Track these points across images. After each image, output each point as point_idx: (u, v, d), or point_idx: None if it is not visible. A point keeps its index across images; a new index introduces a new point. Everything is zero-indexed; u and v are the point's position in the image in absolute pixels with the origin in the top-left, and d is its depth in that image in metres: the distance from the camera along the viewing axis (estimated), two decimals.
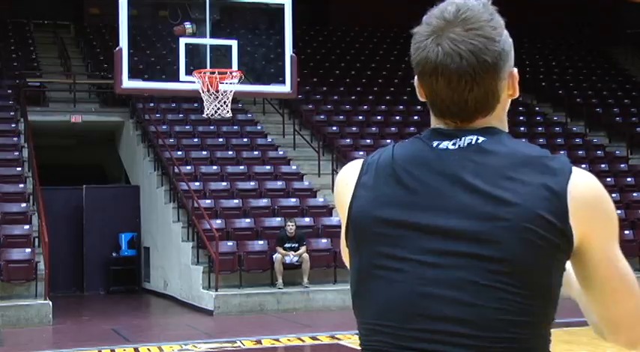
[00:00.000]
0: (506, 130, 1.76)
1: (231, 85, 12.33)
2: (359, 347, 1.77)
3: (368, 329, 1.71)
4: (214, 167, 18.11)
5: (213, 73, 12.20)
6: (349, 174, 1.80)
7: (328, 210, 17.06)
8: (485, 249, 1.62)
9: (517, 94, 1.76)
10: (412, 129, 20.98)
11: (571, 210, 1.63)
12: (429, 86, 1.70)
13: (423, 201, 1.67)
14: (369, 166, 1.76)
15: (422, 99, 1.78)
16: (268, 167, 18.36)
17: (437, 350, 1.62)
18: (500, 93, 1.71)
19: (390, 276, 1.67)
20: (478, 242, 1.62)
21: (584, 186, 1.65)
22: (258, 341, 11.65)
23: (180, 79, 12.54)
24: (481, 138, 1.68)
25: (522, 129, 22.02)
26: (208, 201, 16.68)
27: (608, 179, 19.58)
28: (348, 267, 1.81)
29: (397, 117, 21.74)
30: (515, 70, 1.74)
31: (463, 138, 1.69)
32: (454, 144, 1.69)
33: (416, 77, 1.76)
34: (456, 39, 1.65)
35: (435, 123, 1.75)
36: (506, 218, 1.61)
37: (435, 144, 1.70)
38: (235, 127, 19.98)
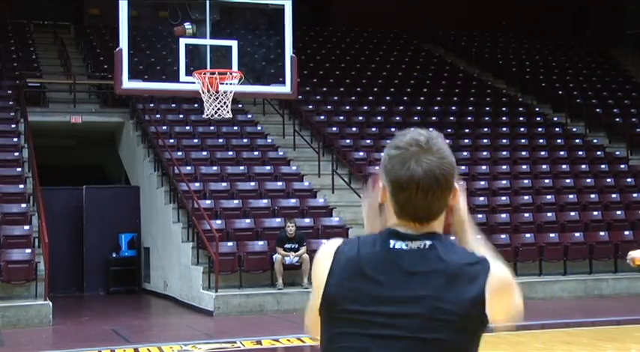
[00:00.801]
0: (442, 231, 2.27)
1: (231, 85, 12.32)
2: None
3: None
4: (214, 167, 18.11)
5: (213, 73, 12.20)
6: (325, 260, 2.28)
7: (328, 211, 17.06)
8: (427, 335, 2.14)
9: (456, 202, 2.29)
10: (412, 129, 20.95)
11: (487, 302, 2.17)
12: (406, 196, 2.19)
13: (382, 288, 2.17)
14: (340, 258, 2.24)
15: (382, 201, 2.28)
16: (268, 167, 18.36)
17: None
18: (449, 203, 2.26)
19: (348, 345, 2.20)
20: (422, 330, 2.14)
21: (496, 285, 2.19)
22: (258, 342, 11.65)
23: (181, 80, 12.53)
24: (428, 243, 2.20)
25: (522, 129, 22.04)
26: (208, 202, 16.68)
27: (608, 179, 19.58)
28: (311, 333, 2.38)
29: (397, 118, 21.73)
30: (457, 186, 2.25)
31: (415, 242, 2.20)
32: (407, 245, 2.20)
33: (388, 186, 2.22)
34: (432, 163, 2.18)
35: (394, 221, 2.24)
36: (447, 318, 2.14)
37: (392, 244, 2.20)
38: (235, 128, 19.98)
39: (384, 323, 2.16)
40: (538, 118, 23.10)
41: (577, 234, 17.06)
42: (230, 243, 15.51)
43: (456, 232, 2.35)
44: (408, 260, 2.18)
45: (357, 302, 2.19)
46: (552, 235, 17.02)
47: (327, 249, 2.29)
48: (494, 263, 2.24)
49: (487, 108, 23.08)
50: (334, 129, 20.77)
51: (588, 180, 19.37)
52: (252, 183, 17.56)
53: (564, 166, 20.03)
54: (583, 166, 20.16)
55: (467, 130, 21.46)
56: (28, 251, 14.59)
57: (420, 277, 2.16)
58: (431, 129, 2.33)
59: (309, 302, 2.38)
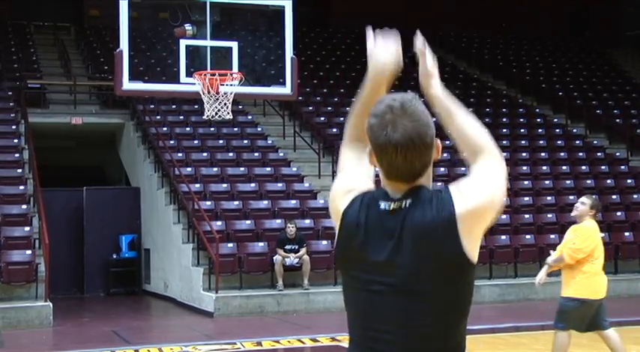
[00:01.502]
0: (430, 182, 2.51)
1: (232, 86, 12.33)
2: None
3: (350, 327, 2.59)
4: (214, 169, 18.12)
5: (214, 74, 12.20)
6: (345, 195, 2.57)
7: (328, 212, 17.04)
8: (414, 288, 2.41)
9: (439, 156, 2.51)
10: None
11: (459, 227, 2.39)
12: (388, 159, 2.42)
13: (374, 243, 2.44)
14: (353, 205, 2.52)
15: (374, 166, 2.51)
16: (268, 169, 18.36)
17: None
18: (432, 159, 2.47)
19: (357, 296, 2.51)
20: (405, 284, 2.41)
21: (463, 206, 2.41)
22: (259, 343, 11.65)
23: (181, 81, 12.54)
24: (409, 202, 2.42)
25: (522, 130, 22.04)
26: (208, 203, 16.69)
27: (609, 181, 19.58)
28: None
29: None
30: (439, 141, 2.48)
31: (398, 202, 2.43)
32: (388, 206, 2.44)
33: (374, 150, 2.44)
34: (407, 126, 2.39)
35: (384, 182, 2.49)
36: (427, 269, 2.39)
37: (381, 206, 2.45)
38: (235, 129, 19.99)
39: (377, 281, 2.42)
40: (538, 119, 23.11)
41: None
42: (230, 245, 15.51)
43: (442, 119, 2.59)
44: (391, 222, 2.42)
45: (355, 261, 2.47)
46: (553, 236, 16.99)
47: (346, 188, 2.59)
48: (449, 189, 2.46)
49: (487, 110, 23.08)
50: (334, 130, 20.76)
51: (588, 181, 19.37)
52: (253, 185, 17.56)
53: (564, 167, 20.03)
54: (583, 167, 20.16)
55: None
56: (29, 252, 14.59)
57: (399, 237, 2.40)
58: (408, 91, 2.52)
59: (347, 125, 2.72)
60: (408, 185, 2.44)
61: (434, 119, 2.53)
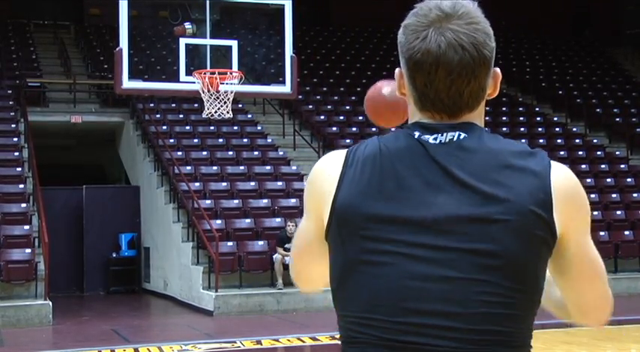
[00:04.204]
0: (483, 124, 1.80)
1: (232, 85, 12.32)
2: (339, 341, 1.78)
3: (353, 323, 1.72)
4: (214, 167, 18.11)
5: (214, 73, 12.19)
6: (331, 165, 1.78)
7: None
8: (476, 244, 1.64)
9: (496, 94, 1.82)
10: None
11: (555, 203, 1.69)
12: (424, 77, 1.70)
13: (413, 195, 1.68)
14: (353, 158, 1.74)
15: (401, 92, 1.79)
16: (268, 167, 18.36)
17: (426, 343, 1.65)
18: (487, 89, 1.78)
19: (379, 271, 1.68)
20: (469, 237, 1.65)
21: (564, 180, 1.72)
22: (258, 342, 11.64)
23: (181, 80, 12.53)
24: (463, 135, 1.71)
25: (522, 129, 22.03)
26: (208, 202, 16.68)
27: (608, 179, 19.58)
28: (302, 281, 1.91)
29: None
30: (498, 70, 1.80)
31: (445, 134, 1.71)
32: (435, 138, 1.71)
33: (404, 68, 1.75)
34: (459, 31, 1.68)
35: (417, 116, 1.76)
36: (498, 213, 1.65)
37: (418, 136, 1.72)
38: (235, 128, 19.98)
39: (422, 233, 1.66)
40: (538, 118, 23.11)
41: None
42: (230, 243, 15.51)
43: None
44: (439, 155, 1.69)
45: (388, 207, 1.67)
46: None
47: (332, 158, 1.80)
48: (556, 163, 1.76)
49: (487, 108, 22.98)
50: (334, 128, 20.77)
51: (588, 180, 19.35)
52: (253, 183, 17.56)
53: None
54: (583, 166, 20.15)
55: None
56: (28, 251, 14.59)
57: (457, 177, 1.67)
58: None
59: (294, 242, 1.93)
60: (451, 121, 1.73)
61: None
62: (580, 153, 20.98)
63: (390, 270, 1.67)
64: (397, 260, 1.67)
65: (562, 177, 1.72)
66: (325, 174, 1.79)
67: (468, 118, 1.74)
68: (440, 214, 1.66)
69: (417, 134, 1.71)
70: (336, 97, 22.79)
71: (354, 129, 20.89)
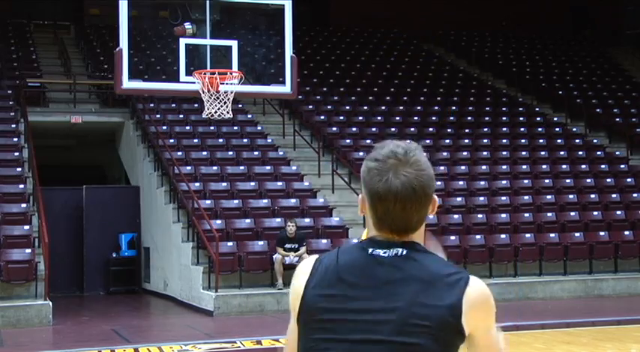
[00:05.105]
0: (422, 241, 2.31)
1: (232, 85, 12.32)
2: None
3: None
4: (214, 167, 18.12)
5: (214, 73, 12.19)
6: (302, 273, 2.30)
7: (328, 211, 17.06)
8: (404, 339, 2.17)
9: (434, 213, 2.31)
10: (412, 129, 21.00)
11: (464, 312, 2.19)
12: (384, 208, 2.23)
13: (360, 294, 2.21)
14: (317, 269, 2.28)
15: (362, 214, 2.33)
16: (268, 167, 18.36)
17: None
18: (427, 214, 2.29)
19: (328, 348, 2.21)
20: (399, 334, 2.16)
21: (474, 295, 2.21)
22: (258, 342, 11.64)
23: (181, 80, 12.52)
24: (405, 251, 2.24)
25: (522, 129, 22.04)
26: (208, 202, 16.68)
27: (608, 180, 19.58)
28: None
29: (397, 118, 21.74)
30: (436, 197, 2.29)
31: (393, 249, 2.24)
32: (385, 252, 2.24)
33: (367, 198, 2.26)
34: (410, 176, 2.22)
35: (372, 233, 2.30)
36: (423, 323, 2.17)
37: (370, 251, 2.25)
38: (235, 128, 19.98)
39: (361, 329, 2.19)
40: (538, 118, 23.11)
41: (577, 234, 17.06)
42: (230, 243, 15.51)
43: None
44: (385, 267, 2.22)
45: (335, 311, 2.22)
46: (552, 235, 17.02)
47: (304, 265, 2.32)
48: (474, 278, 2.24)
49: (487, 108, 23.08)
50: (334, 129, 20.77)
51: (588, 180, 19.37)
52: (252, 183, 17.56)
53: (564, 166, 20.03)
54: (583, 166, 20.16)
55: (467, 130, 21.47)
56: (28, 251, 14.59)
57: (396, 284, 2.20)
58: (409, 141, 2.35)
59: (287, 332, 2.36)
60: (400, 239, 2.26)
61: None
62: (580, 153, 20.98)
63: None
64: (342, 347, 2.21)
65: (473, 294, 2.21)
66: (298, 282, 2.30)
67: (411, 237, 2.27)
68: (379, 309, 2.19)
69: (370, 250, 2.25)
70: (336, 97, 22.80)
71: (353, 129, 20.90)
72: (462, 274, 2.24)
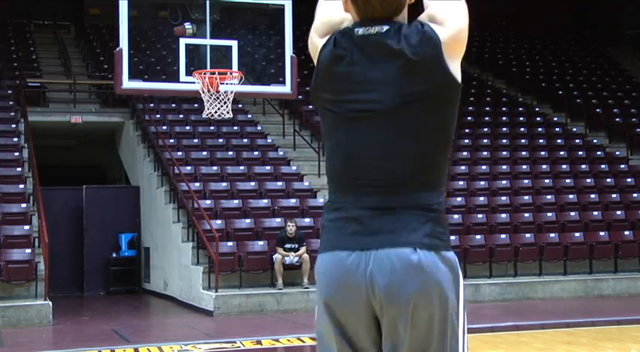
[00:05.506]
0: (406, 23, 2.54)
1: (232, 85, 12.32)
2: None
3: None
4: (214, 167, 18.12)
5: (214, 73, 12.19)
6: (321, 28, 2.69)
7: None
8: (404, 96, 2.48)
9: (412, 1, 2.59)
10: None
11: (445, 54, 2.54)
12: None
13: (357, 64, 2.50)
14: (331, 37, 2.59)
15: (345, 10, 2.56)
16: (268, 167, 18.36)
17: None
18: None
19: (338, 123, 2.55)
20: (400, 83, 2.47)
21: (444, 30, 2.58)
22: (258, 342, 11.64)
23: (181, 80, 12.51)
24: (385, 27, 2.49)
25: (522, 129, 22.04)
26: (208, 202, 16.69)
27: (608, 180, 19.58)
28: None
29: None
30: None
31: (377, 27, 2.49)
32: (366, 31, 2.49)
33: None
34: None
35: (355, 19, 2.54)
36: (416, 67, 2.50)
37: (356, 31, 2.52)
38: (235, 128, 19.99)
39: (362, 100, 2.45)
40: (538, 118, 23.11)
41: (577, 234, 17.06)
42: (230, 243, 15.52)
43: None
44: (371, 43, 2.48)
45: (338, 84, 2.51)
46: (552, 235, 17.02)
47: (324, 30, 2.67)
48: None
49: (487, 108, 23.08)
50: None
51: (588, 180, 19.37)
52: (253, 183, 17.56)
53: (564, 166, 20.03)
54: (583, 166, 20.16)
55: (467, 130, 21.46)
56: (28, 251, 14.59)
57: (382, 61, 2.45)
58: None
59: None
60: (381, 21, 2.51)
61: None
62: (580, 153, 20.98)
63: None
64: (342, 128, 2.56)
65: (444, 31, 2.56)
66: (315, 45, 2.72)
67: (394, 20, 2.50)
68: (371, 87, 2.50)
69: (356, 30, 2.51)
70: None
71: None
72: (426, 27, 2.55)
